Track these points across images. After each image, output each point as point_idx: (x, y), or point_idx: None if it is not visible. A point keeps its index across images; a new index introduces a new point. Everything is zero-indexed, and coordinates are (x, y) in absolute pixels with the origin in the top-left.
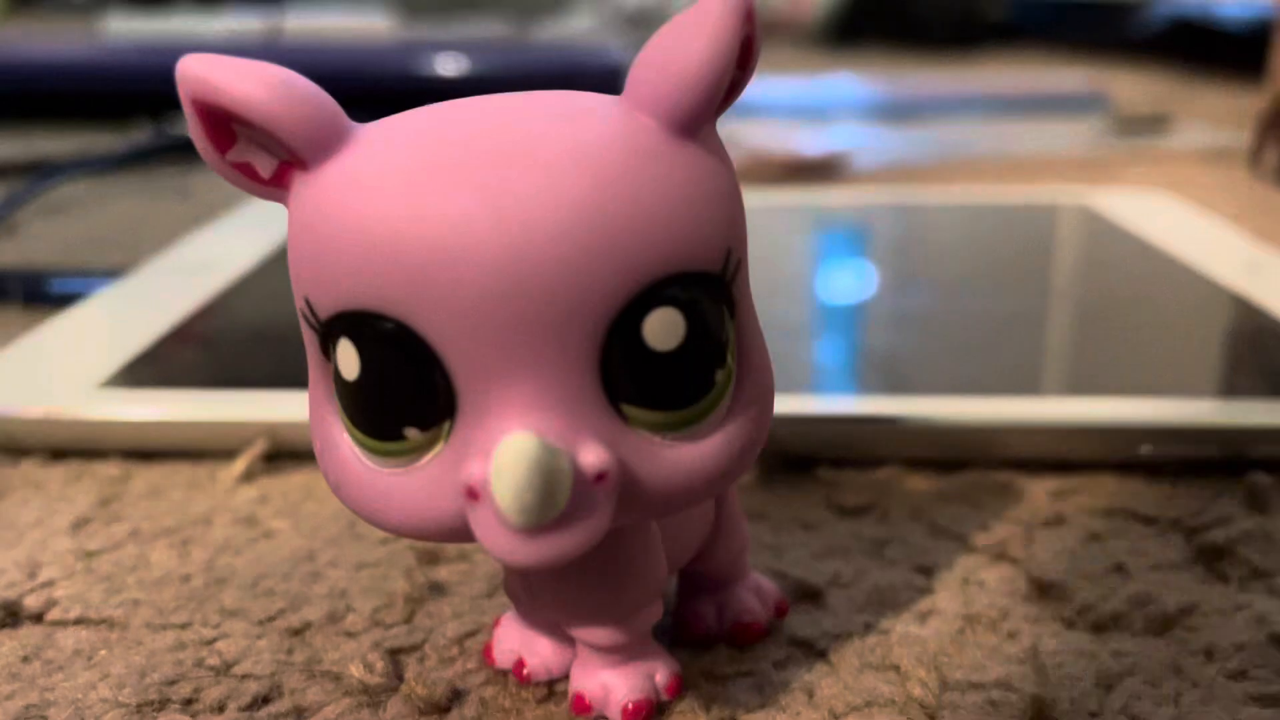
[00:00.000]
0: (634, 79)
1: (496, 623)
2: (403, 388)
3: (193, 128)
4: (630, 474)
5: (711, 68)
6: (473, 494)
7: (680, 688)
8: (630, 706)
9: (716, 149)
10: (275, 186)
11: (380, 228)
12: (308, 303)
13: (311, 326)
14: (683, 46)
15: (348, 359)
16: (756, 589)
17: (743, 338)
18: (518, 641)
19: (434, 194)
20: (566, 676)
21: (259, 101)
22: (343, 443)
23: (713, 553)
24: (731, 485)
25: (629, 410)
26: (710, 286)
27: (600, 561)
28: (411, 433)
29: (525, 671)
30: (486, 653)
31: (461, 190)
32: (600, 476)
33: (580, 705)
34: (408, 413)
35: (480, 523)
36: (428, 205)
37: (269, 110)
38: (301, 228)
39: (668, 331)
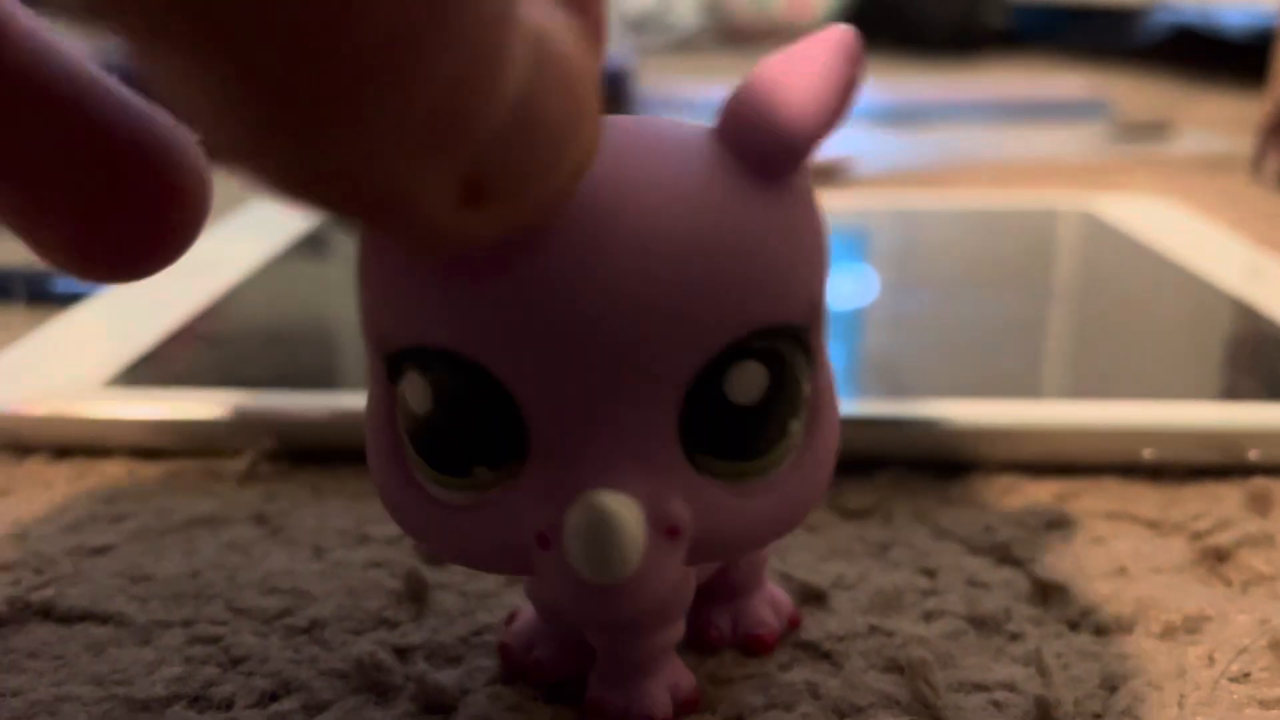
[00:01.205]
0: (733, 116)
1: (510, 618)
2: (474, 428)
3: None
4: (703, 527)
5: (819, 118)
6: (544, 542)
7: (699, 702)
8: (654, 718)
9: (807, 193)
10: None
11: (464, 269)
12: (377, 334)
13: (379, 355)
14: (788, 90)
15: (418, 393)
16: (771, 600)
17: (817, 388)
18: (534, 638)
19: (523, 239)
20: (575, 676)
21: None
22: (404, 468)
23: (734, 564)
24: (779, 538)
25: (701, 459)
26: (793, 337)
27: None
28: (480, 471)
29: (543, 669)
30: (502, 649)
31: (552, 239)
32: (673, 530)
33: (598, 714)
34: (477, 452)
35: (550, 571)
36: (518, 264)
37: None
38: (379, 256)
39: (750, 385)
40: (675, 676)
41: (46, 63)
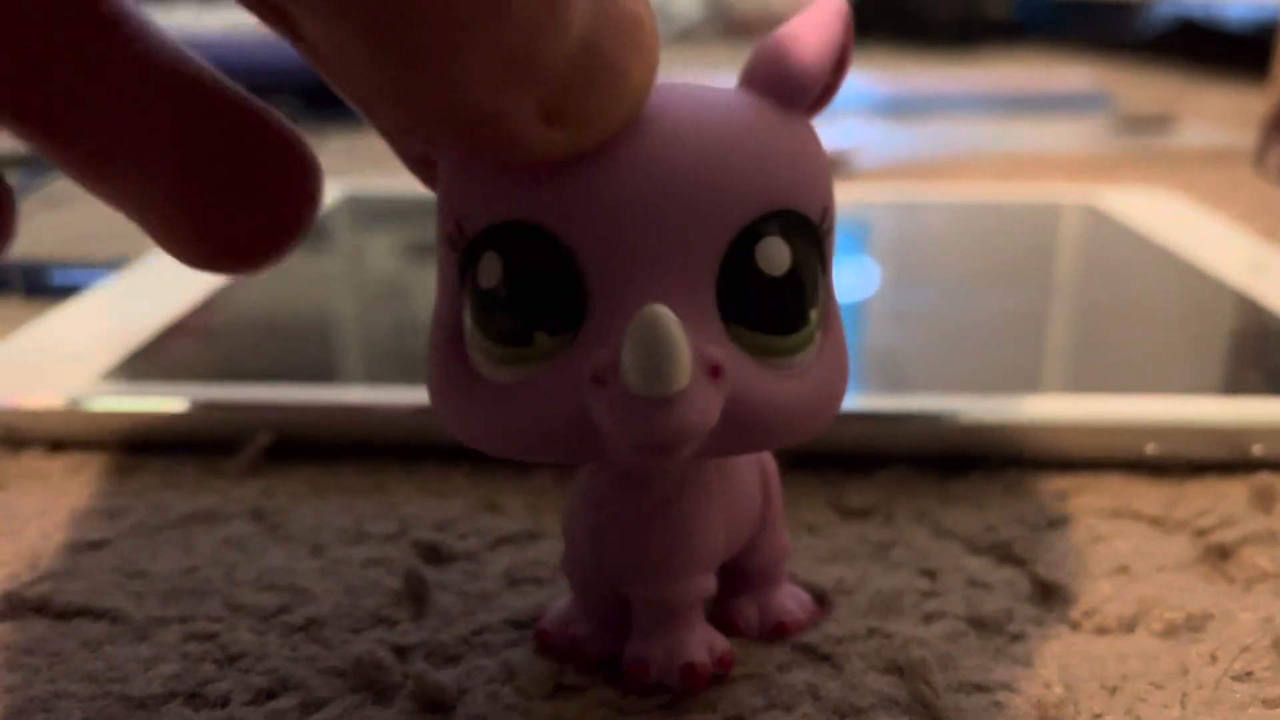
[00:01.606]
0: (750, 68)
1: (540, 616)
2: (538, 290)
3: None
4: (738, 389)
5: (819, 58)
6: (599, 379)
7: (734, 662)
8: (694, 664)
9: (816, 134)
10: None
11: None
12: (458, 225)
13: (457, 248)
14: (795, 41)
15: (490, 269)
16: (796, 596)
17: (829, 300)
18: (571, 618)
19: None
20: (579, 671)
21: None
22: (460, 359)
23: (758, 549)
24: (813, 435)
25: (737, 331)
26: (810, 231)
27: (667, 515)
28: (540, 337)
29: (580, 645)
30: (539, 635)
31: (618, 134)
32: (715, 370)
33: (639, 670)
34: (540, 316)
35: (604, 406)
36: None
37: None
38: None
39: (776, 258)
40: (710, 636)
41: (168, 49)
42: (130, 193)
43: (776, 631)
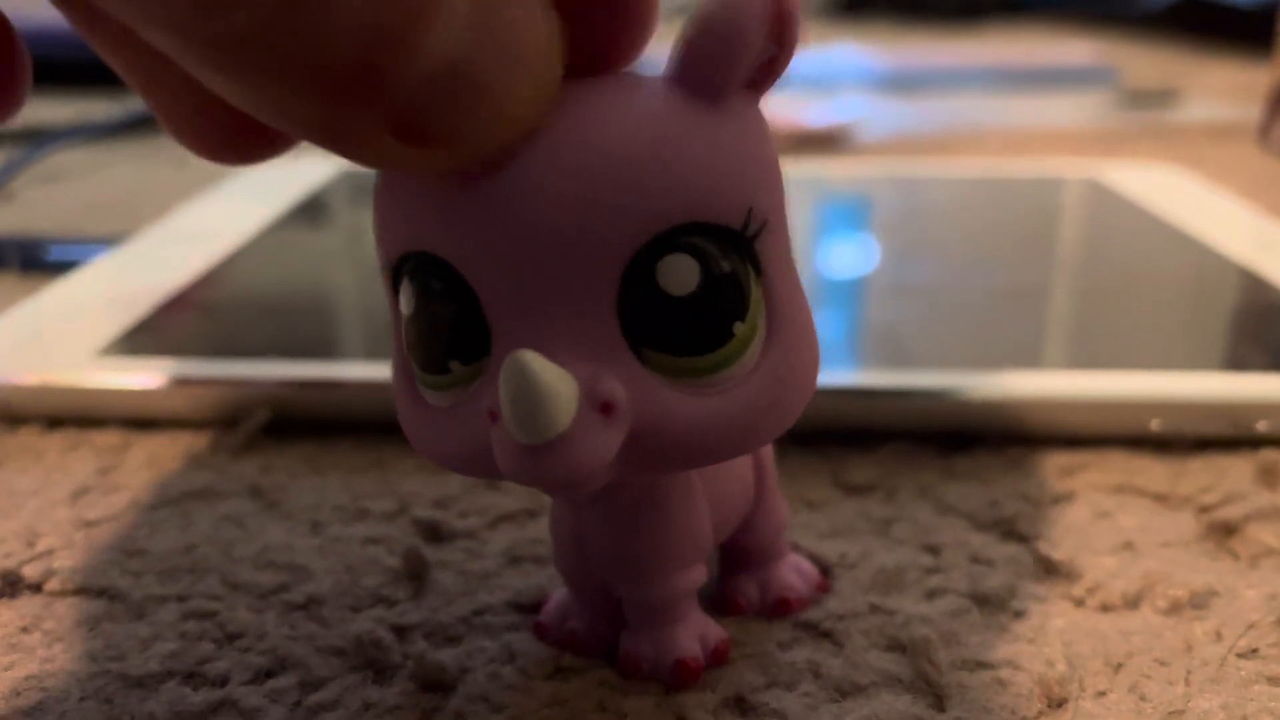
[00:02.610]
0: (671, 55)
1: (544, 601)
2: (445, 321)
3: (739, 31)
4: (645, 417)
5: (737, 34)
6: (493, 415)
7: (728, 652)
8: (684, 661)
9: (746, 119)
10: None
11: (441, 182)
12: (384, 251)
13: (384, 274)
14: (710, 20)
15: (407, 297)
16: (797, 568)
17: (776, 303)
18: (567, 612)
19: (491, 166)
20: (571, 651)
21: None
22: (410, 380)
23: (754, 527)
24: (755, 449)
25: (650, 355)
26: (727, 240)
27: (644, 515)
28: (455, 365)
29: (578, 638)
30: (537, 628)
31: (516, 165)
32: (606, 406)
33: (631, 664)
34: (451, 346)
35: (497, 443)
36: (475, 172)
37: None
38: (383, 184)
39: (681, 276)
40: (702, 627)
41: None
42: None
43: (779, 608)
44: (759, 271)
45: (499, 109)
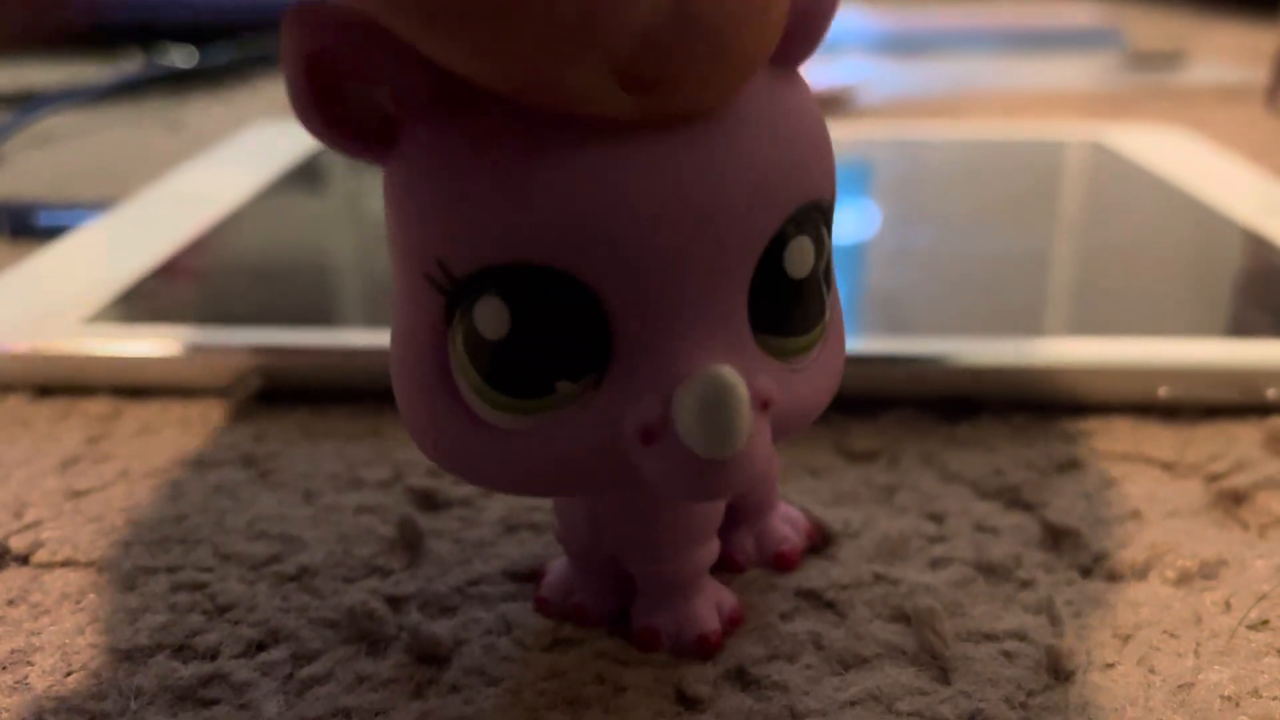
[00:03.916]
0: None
1: (542, 572)
2: (558, 338)
3: (297, 85)
4: (782, 403)
5: (812, 12)
6: (649, 436)
7: (742, 617)
8: (707, 635)
9: (808, 89)
10: (379, 145)
11: (539, 179)
12: (440, 264)
13: (441, 290)
14: None
15: (493, 318)
16: (788, 518)
17: (831, 278)
18: (571, 587)
19: (594, 146)
20: (577, 625)
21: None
22: (452, 399)
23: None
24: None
25: (762, 339)
26: (825, 214)
27: (660, 501)
28: (563, 385)
29: (585, 612)
30: (539, 603)
31: (623, 145)
32: (766, 403)
33: (651, 639)
34: (562, 365)
35: (657, 463)
36: (589, 157)
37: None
38: (434, 181)
39: (803, 259)
40: (717, 595)
41: None
42: None
43: (778, 561)
44: (824, 254)
45: (726, 53)
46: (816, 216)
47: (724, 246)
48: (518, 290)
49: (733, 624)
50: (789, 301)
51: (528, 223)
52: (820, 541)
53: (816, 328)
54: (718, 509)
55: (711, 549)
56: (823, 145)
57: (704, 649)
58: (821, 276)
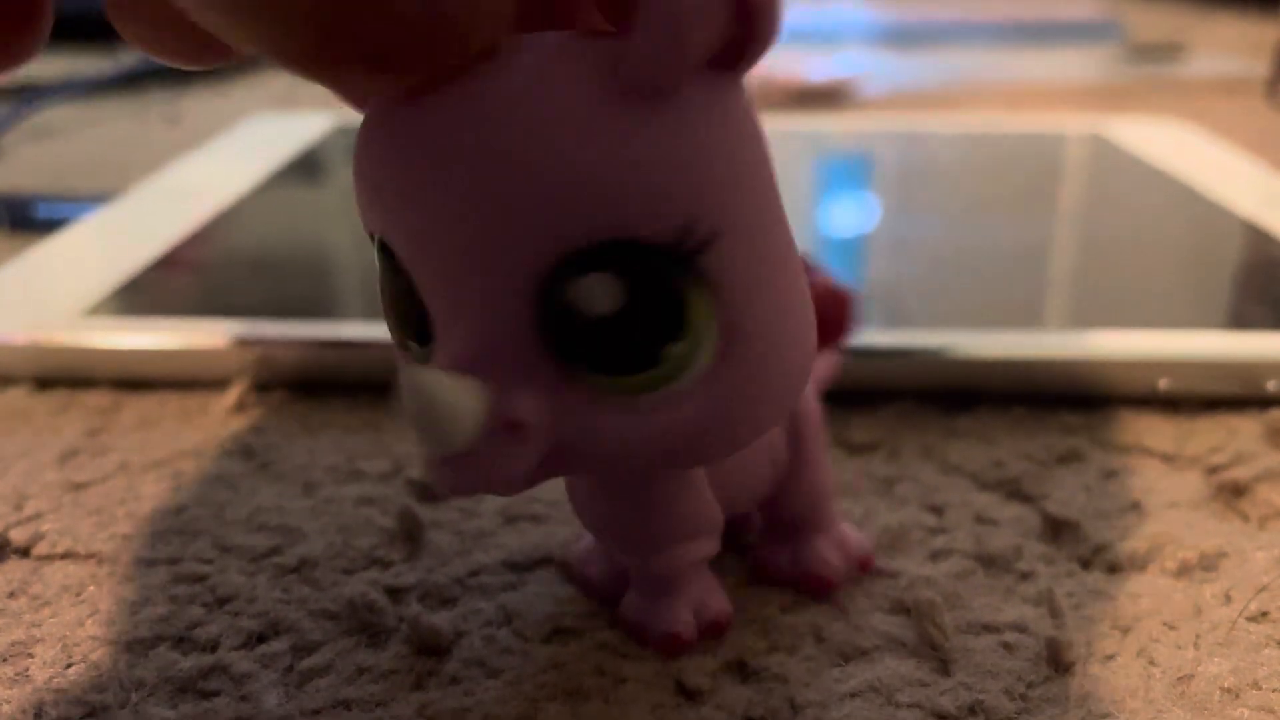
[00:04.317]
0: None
1: (571, 545)
2: (398, 302)
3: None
4: (568, 433)
5: (673, 21)
6: None
7: (727, 626)
8: (671, 635)
9: (699, 114)
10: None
11: (362, 164)
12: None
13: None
14: (645, 6)
15: (378, 272)
16: (840, 542)
17: (737, 317)
18: (590, 557)
19: (402, 137)
20: (578, 614)
21: None
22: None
23: (788, 497)
24: (705, 463)
25: (573, 369)
26: (656, 258)
27: (639, 492)
28: (413, 346)
29: (591, 585)
30: (561, 564)
31: (428, 139)
32: (514, 425)
33: (628, 630)
34: (407, 325)
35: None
36: (396, 147)
37: None
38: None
39: (599, 297)
40: (703, 597)
41: None
42: None
43: (805, 582)
44: (710, 289)
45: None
46: (636, 256)
47: (492, 265)
48: (381, 254)
49: (713, 629)
50: (589, 336)
51: (370, 206)
52: (869, 568)
53: (645, 374)
54: (698, 510)
55: (699, 547)
56: (668, 183)
57: (668, 646)
58: (656, 319)
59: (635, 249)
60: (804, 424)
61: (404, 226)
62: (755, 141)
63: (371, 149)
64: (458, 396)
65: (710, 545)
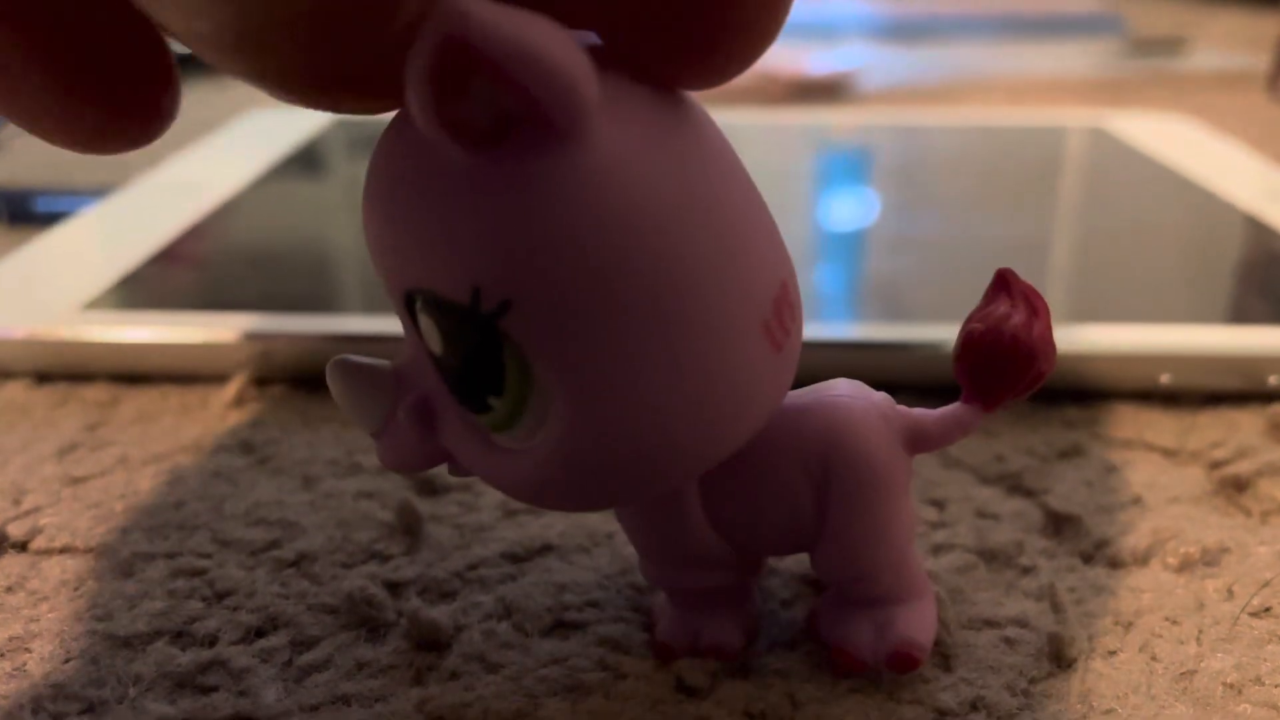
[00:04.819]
0: None
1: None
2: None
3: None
4: (453, 444)
5: (417, 91)
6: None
7: (728, 655)
8: (657, 645)
9: (497, 186)
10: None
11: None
12: None
13: None
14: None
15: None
16: (883, 623)
17: (559, 383)
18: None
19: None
20: (578, 608)
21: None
22: None
23: (819, 554)
24: (549, 507)
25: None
26: (457, 314)
27: (632, 512)
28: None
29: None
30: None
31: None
32: (421, 412)
33: (666, 652)
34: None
35: None
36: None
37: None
38: None
39: (429, 337)
40: (714, 624)
41: None
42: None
43: (831, 653)
44: (518, 350)
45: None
46: (443, 309)
47: (387, 279)
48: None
49: (711, 653)
50: (438, 366)
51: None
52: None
53: (487, 414)
54: (697, 541)
55: (697, 576)
56: (458, 246)
57: (658, 653)
58: (476, 371)
59: (438, 303)
60: (848, 479)
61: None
62: (590, 210)
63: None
64: (364, 382)
65: (716, 577)
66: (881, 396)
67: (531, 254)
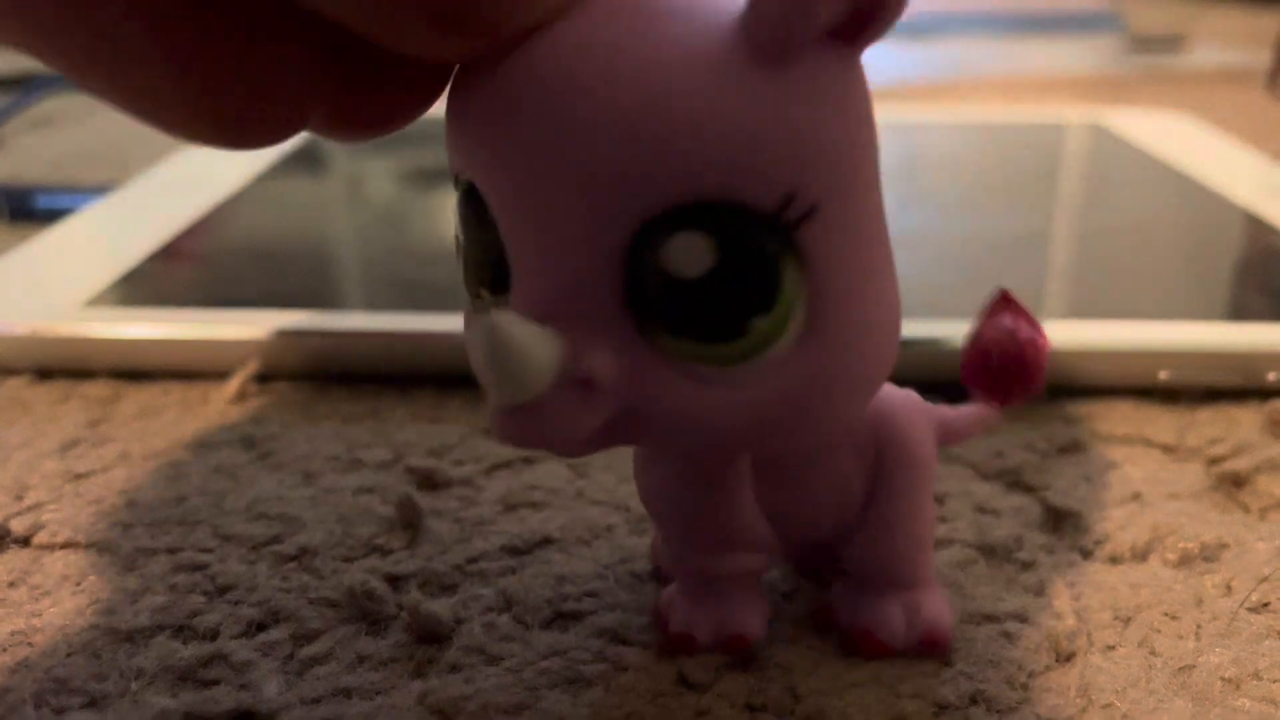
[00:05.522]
0: None
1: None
2: (476, 246)
3: None
4: (638, 398)
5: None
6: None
7: (743, 646)
8: (676, 636)
9: (816, 85)
10: None
11: (458, 104)
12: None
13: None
14: None
15: (456, 216)
16: (914, 605)
17: (825, 299)
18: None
19: (506, 77)
20: (576, 599)
21: None
22: None
23: (859, 540)
24: (775, 448)
25: (655, 333)
26: (755, 225)
27: (688, 487)
28: (485, 293)
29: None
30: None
31: (526, 78)
32: (586, 383)
33: (653, 614)
34: (481, 272)
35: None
36: (497, 89)
37: None
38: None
39: (690, 258)
40: (736, 612)
41: None
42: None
43: (858, 638)
44: (802, 263)
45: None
46: (733, 220)
47: (584, 215)
48: (463, 196)
49: (732, 644)
50: (675, 299)
51: (459, 144)
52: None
53: (738, 341)
54: (745, 524)
55: (737, 560)
56: (774, 149)
57: (679, 645)
58: (747, 287)
59: (735, 213)
60: (894, 463)
61: (498, 170)
62: (865, 122)
63: (472, 89)
64: (533, 344)
65: (753, 561)
66: (911, 391)
67: (843, 157)
